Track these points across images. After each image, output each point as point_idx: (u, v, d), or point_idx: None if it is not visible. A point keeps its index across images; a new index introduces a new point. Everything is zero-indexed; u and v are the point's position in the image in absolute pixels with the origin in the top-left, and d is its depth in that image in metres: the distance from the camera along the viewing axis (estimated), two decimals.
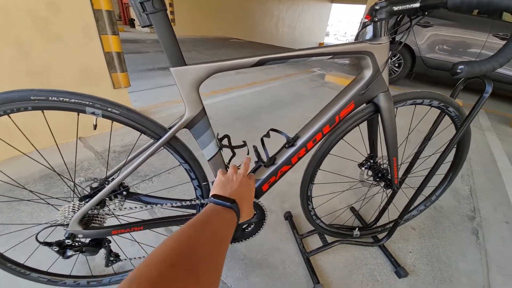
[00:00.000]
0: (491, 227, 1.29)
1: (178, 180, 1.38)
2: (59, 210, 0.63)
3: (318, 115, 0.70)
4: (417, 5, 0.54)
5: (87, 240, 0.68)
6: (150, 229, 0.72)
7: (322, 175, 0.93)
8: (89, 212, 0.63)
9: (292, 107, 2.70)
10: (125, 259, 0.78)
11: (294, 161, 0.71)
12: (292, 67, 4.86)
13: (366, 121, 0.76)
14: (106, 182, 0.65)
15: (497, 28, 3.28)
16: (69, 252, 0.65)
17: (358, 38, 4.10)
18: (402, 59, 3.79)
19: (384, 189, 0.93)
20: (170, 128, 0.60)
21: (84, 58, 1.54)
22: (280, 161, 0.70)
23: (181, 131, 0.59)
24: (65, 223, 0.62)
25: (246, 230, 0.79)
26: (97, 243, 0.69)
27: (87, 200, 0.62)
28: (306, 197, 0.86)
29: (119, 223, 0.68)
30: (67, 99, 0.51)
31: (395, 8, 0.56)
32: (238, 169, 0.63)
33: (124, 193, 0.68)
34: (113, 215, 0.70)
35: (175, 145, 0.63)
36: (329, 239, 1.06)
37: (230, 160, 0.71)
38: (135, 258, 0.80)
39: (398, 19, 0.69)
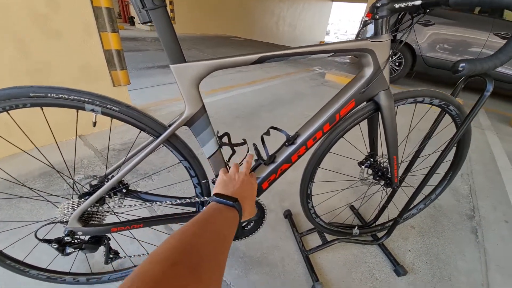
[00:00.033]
0: (490, 226, 1.30)
1: (178, 178, 1.38)
2: (58, 208, 0.63)
3: (319, 113, 0.70)
4: (418, 2, 0.54)
5: (87, 238, 0.68)
6: (150, 227, 0.72)
7: (322, 173, 0.93)
8: (89, 209, 0.63)
9: (292, 105, 2.69)
10: (125, 257, 0.78)
11: (294, 159, 0.71)
12: (292, 65, 4.84)
13: (366, 120, 0.76)
14: (106, 180, 0.65)
15: (498, 27, 3.27)
16: (69, 249, 0.65)
17: (359, 36, 4.10)
18: (403, 58, 3.78)
19: (384, 188, 0.93)
20: (169, 126, 0.59)
21: (84, 55, 1.54)
22: (280, 159, 0.70)
23: (181, 129, 0.59)
24: (64, 220, 0.62)
25: (246, 228, 0.79)
26: (97, 241, 0.69)
27: (87, 197, 0.61)
28: (306, 195, 0.86)
29: (119, 221, 0.68)
30: (66, 96, 0.51)
31: (397, 6, 0.56)
32: (240, 166, 0.63)
33: (124, 190, 0.68)
34: (112, 213, 0.70)
35: (174, 143, 0.63)
36: (329, 237, 1.07)
37: (230, 158, 0.71)
38: (134, 255, 0.80)
39: (400, 17, 0.68)
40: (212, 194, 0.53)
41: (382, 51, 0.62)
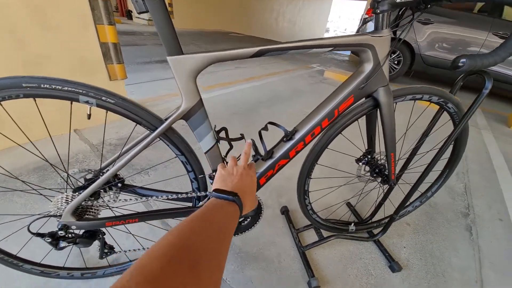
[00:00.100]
0: (484, 224, 1.31)
1: (175, 174, 1.37)
2: (51, 201, 0.62)
3: (317, 108, 0.69)
4: None
5: (81, 232, 0.68)
6: (145, 222, 0.71)
7: (319, 169, 0.93)
8: (83, 203, 0.63)
9: (290, 102, 2.68)
10: (120, 252, 0.77)
11: (292, 155, 0.71)
12: (291, 62, 4.82)
13: (365, 116, 0.76)
14: (101, 174, 0.64)
15: (497, 26, 3.27)
16: (62, 244, 0.64)
17: None
18: (402, 57, 3.78)
19: (381, 185, 0.93)
20: (166, 119, 0.58)
21: (80, 48, 1.51)
22: (278, 154, 0.70)
23: (178, 124, 0.58)
24: (58, 214, 0.61)
25: (243, 224, 0.78)
26: (91, 235, 0.69)
27: (81, 191, 0.61)
28: (303, 192, 0.86)
29: (114, 215, 0.68)
30: (59, 87, 0.49)
31: (398, 0, 0.55)
32: (238, 160, 0.62)
33: (119, 185, 0.67)
34: (107, 207, 0.69)
35: (171, 137, 0.62)
36: (325, 233, 1.07)
37: (227, 153, 0.70)
38: (130, 250, 0.79)
39: (400, 12, 0.68)
40: (211, 190, 0.52)
41: (382, 46, 0.62)
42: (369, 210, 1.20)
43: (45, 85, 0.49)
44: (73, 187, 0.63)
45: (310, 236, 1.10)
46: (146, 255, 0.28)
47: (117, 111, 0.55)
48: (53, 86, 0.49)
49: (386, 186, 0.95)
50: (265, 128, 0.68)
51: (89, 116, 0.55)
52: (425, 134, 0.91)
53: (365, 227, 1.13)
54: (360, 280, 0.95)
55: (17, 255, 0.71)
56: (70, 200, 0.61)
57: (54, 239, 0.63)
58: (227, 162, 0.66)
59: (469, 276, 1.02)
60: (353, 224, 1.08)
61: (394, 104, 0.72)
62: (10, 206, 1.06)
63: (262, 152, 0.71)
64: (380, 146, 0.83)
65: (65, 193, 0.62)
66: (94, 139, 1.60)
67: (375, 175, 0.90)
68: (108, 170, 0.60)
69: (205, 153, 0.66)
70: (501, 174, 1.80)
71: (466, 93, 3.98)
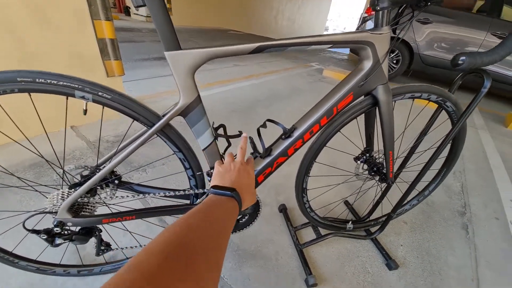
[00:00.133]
0: (481, 223, 1.32)
1: (173, 171, 1.37)
2: (47, 198, 0.61)
3: (316, 106, 0.69)
4: None
5: (77, 229, 0.67)
6: (142, 219, 0.71)
7: (318, 168, 0.93)
8: (79, 200, 0.62)
9: (289, 100, 2.68)
10: (117, 249, 0.77)
11: (290, 153, 0.70)
12: (289, 61, 4.81)
13: (363, 114, 0.76)
14: (97, 170, 0.64)
15: (495, 26, 3.28)
16: (58, 240, 0.64)
17: None
18: (401, 56, 3.78)
19: (379, 183, 0.93)
20: (164, 115, 0.58)
21: (76, 44, 1.49)
22: (276, 152, 0.69)
23: (176, 120, 0.58)
24: (53, 211, 0.61)
25: (240, 222, 0.78)
26: (87, 232, 0.68)
27: (77, 188, 0.60)
28: (301, 190, 0.86)
29: (110, 212, 0.67)
30: (55, 82, 0.49)
31: None
32: (235, 156, 0.62)
33: (116, 181, 0.66)
34: (104, 204, 0.68)
35: (168, 133, 0.61)
36: (323, 231, 1.07)
37: (225, 150, 0.70)
38: (127, 247, 0.79)
39: (400, 10, 0.67)
40: (209, 187, 0.52)
41: (382, 43, 0.61)
42: (367, 208, 1.21)
43: (40, 80, 0.48)
44: (69, 184, 0.63)
45: (307, 234, 1.11)
46: (143, 251, 0.28)
47: (113, 107, 0.54)
48: (49, 81, 0.48)
49: (384, 185, 0.95)
50: (264, 125, 0.68)
51: (85, 112, 0.54)
52: (423, 133, 0.91)
53: (363, 225, 1.13)
54: (357, 278, 0.96)
55: (13, 252, 0.70)
56: (66, 196, 0.61)
57: (50, 236, 0.62)
58: (224, 159, 0.66)
59: (465, 274, 1.03)
60: (350, 222, 1.08)
61: (393, 102, 0.72)
62: (6, 203, 1.05)
63: (260, 149, 0.70)
64: (378, 144, 0.83)
65: (60, 190, 0.61)
66: (91, 136, 1.58)
67: (373, 173, 0.90)
68: (104, 166, 0.60)
69: (203, 150, 0.65)
70: (498, 173, 1.81)
71: (463, 93, 4.00)
